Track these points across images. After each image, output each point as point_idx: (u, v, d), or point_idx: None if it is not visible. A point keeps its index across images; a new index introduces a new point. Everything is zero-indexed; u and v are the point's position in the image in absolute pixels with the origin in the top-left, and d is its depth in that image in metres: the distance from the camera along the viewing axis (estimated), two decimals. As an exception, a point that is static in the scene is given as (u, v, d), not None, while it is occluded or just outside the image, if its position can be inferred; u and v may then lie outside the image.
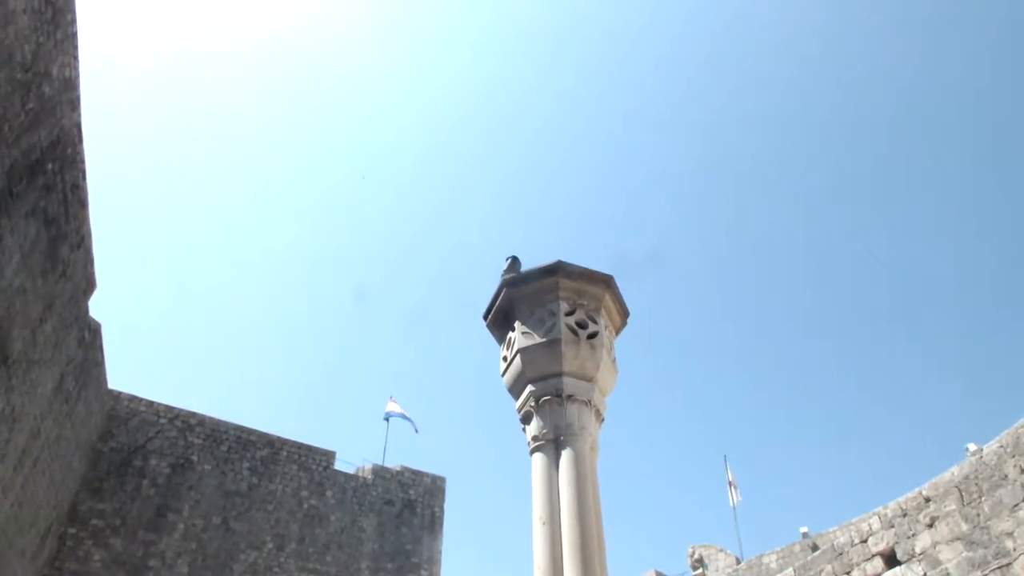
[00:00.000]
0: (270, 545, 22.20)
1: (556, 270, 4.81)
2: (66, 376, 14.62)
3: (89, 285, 14.09)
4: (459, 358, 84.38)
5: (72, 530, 19.47)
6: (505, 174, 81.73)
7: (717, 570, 26.12)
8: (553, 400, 4.41)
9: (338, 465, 25.22)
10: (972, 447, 17.78)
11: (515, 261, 5.34)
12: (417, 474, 26.78)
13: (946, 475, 9.46)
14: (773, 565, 21.52)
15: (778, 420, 79.62)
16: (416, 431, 27.69)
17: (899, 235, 71.85)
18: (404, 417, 27.73)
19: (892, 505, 10.23)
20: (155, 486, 21.29)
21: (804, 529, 22.86)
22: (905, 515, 9.72)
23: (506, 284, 4.98)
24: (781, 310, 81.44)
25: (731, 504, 28.87)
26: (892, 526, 9.86)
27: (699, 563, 26.96)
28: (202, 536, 21.27)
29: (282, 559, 22.18)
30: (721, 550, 27.15)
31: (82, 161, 11.97)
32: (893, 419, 73.42)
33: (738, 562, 25.28)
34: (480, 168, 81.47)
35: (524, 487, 4.35)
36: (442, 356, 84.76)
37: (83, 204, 12.54)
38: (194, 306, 73.70)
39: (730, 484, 29.23)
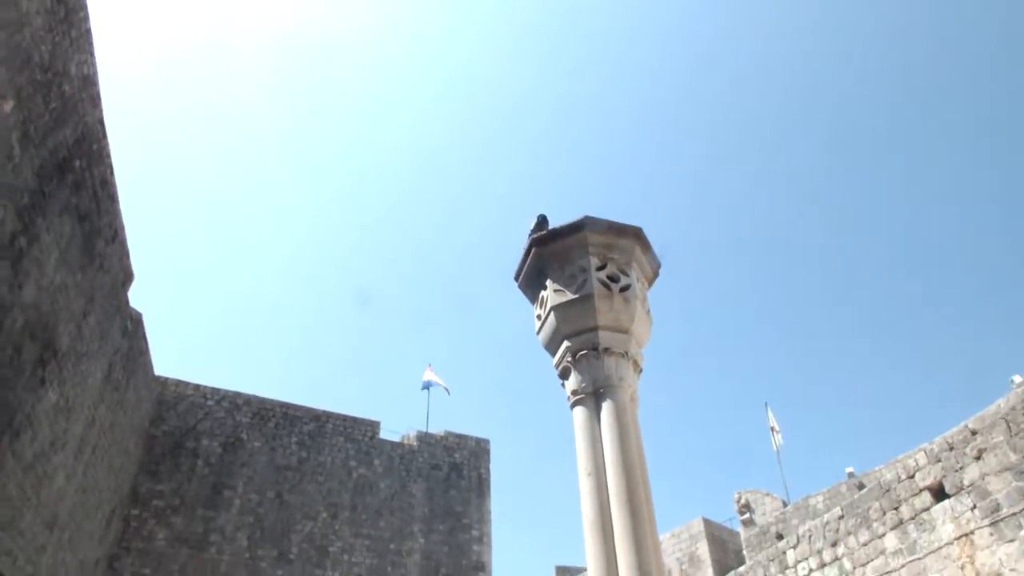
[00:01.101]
0: (324, 515, 22.92)
1: (583, 225, 4.76)
2: (114, 366, 15.08)
3: (127, 277, 14.42)
4: (492, 320, 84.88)
5: (135, 511, 20.32)
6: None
7: (764, 514, 26.26)
8: (590, 354, 4.40)
9: (383, 434, 25.81)
10: (1017, 379, 17.44)
11: (543, 220, 5.30)
12: (461, 438, 27.26)
13: (992, 407, 9.30)
14: (820, 506, 21.53)
15: (819, 364, 78.90)
16: (448, 392, 28.16)
17: (931, 179, 69.70)
18: (439, 384, 28.17)
19: (938, 440, 10.09)
20: (209, 465, 22.04)
21: (850, 469, 22.79)
22: (952, 449, 9.62)
23: (534, 243, 4.95)
24: (822, 257, 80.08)
25: (774, 449, 28.91)
26: (939, 460, 9.78)
27: (746, 508, 27.13)
28: (258, 510, 22.02)
29: (337, 527, 22.89)
30: (767, 494, 27.26)
31: (108, 156, 12.14)
32: (936, 358, 72.25)
33: (784, 505, 25.36)
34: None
35: (567, 442, 4.39)
36: (476, 319, 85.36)
37: (113, 198, 12.77)
38: (230, 288, 75.08)
39: (772, 429, 29.21)
